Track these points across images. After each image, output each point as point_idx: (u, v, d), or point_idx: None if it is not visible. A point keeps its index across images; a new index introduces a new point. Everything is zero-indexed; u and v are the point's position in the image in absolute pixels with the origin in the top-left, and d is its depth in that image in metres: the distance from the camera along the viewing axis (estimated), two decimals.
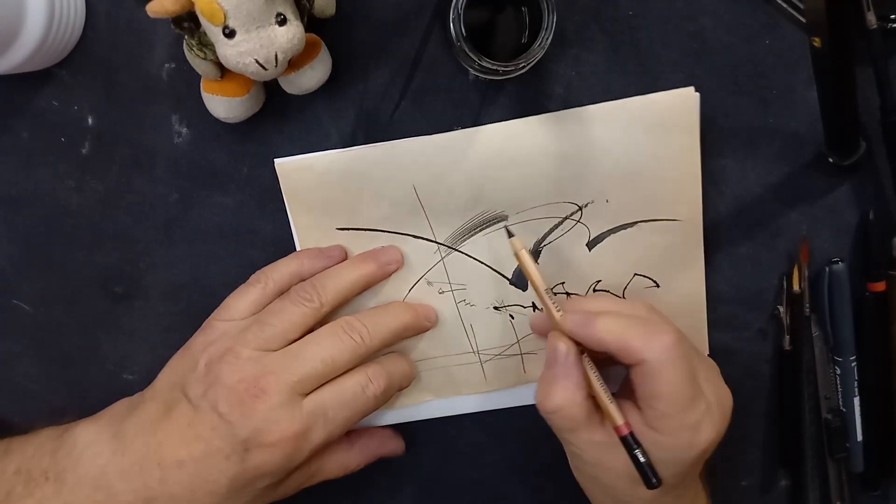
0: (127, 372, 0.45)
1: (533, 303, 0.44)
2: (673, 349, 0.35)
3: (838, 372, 0.44)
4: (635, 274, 0.43)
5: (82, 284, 0.43)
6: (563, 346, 0.37)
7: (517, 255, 0.39)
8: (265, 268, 0.41)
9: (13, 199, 0.42)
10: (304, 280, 0.41)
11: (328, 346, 0.38)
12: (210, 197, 0.42)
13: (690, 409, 0.35)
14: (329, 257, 0.42)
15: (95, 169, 0.42)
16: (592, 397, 0.37)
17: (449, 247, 0.43)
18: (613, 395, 0.37)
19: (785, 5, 0.37)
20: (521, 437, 0.46)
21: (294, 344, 0.38)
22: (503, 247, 0.43)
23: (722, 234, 0.43)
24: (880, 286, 0.43)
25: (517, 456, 0.47)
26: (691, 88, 0.40)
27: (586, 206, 0.42)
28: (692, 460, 0.36)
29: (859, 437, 0.44)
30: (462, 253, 0.43)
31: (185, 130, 0.41)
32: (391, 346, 0.42)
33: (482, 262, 0.43)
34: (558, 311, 0.38)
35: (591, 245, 0.43)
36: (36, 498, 0.37)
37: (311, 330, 0.39)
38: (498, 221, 0.42)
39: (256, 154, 0.42)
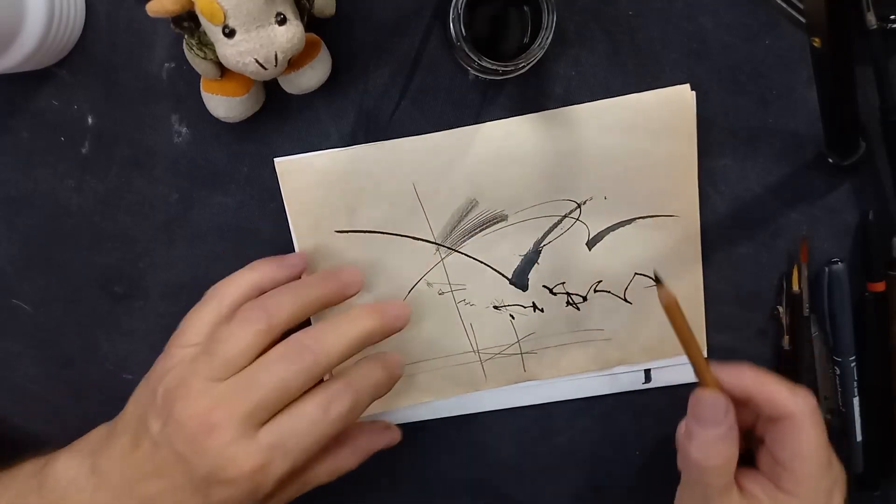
0: (127, 372, 0.45)
1: (534, 302, 0.44)
2: (816, 409, 0.36)
3: (838, 372, 0.44)
4: (636, 273, 0.43)
5: (82, 284, 0.43)
6: (725, 403, 0.36)
7: (667, 309, 0.35)
8: (220, 282, 0.39)
9: (13, 199, 0.42)
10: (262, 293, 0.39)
11: (279, 370, 0.35)
12: (210, 197, 0.42)
13: (827, 474, 0.35)
14: (290, 266, 0.40)
15: (95, 169, 0.42)
16: None
17: (448, 248, 0.43)
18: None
19: (785, 5, 0.37)
20: (521, 437, 0.46)
21: (244, 371, 0.36)
22: (503, 247, 0.43)
23: (722, 233, 0.43)
24: (880, 286, 0.43)
25: (517, 456, 0.47)
26: (687, 86, 0.40)
27: (585, 202, 0.42)
28: None
29: (859, 438, 0.44)
30: (461, 253, 0.43)
31: (185, 130, 0.41)
32: (356, 354, 0.38)
33: (482, 262, 0.43)
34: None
35: (590, 244, 0.43)
36: None
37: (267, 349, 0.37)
38: (498, 221, 0.42)
39: (256, 154, 0.42)
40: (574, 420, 0.46)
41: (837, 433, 0.44)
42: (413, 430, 0.46)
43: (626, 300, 0.44)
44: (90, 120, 0.41)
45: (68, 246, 0.43)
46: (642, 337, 0.44)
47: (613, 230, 0.42)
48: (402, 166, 0.41)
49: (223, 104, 0.38)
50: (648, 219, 0.42)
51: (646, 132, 0.40)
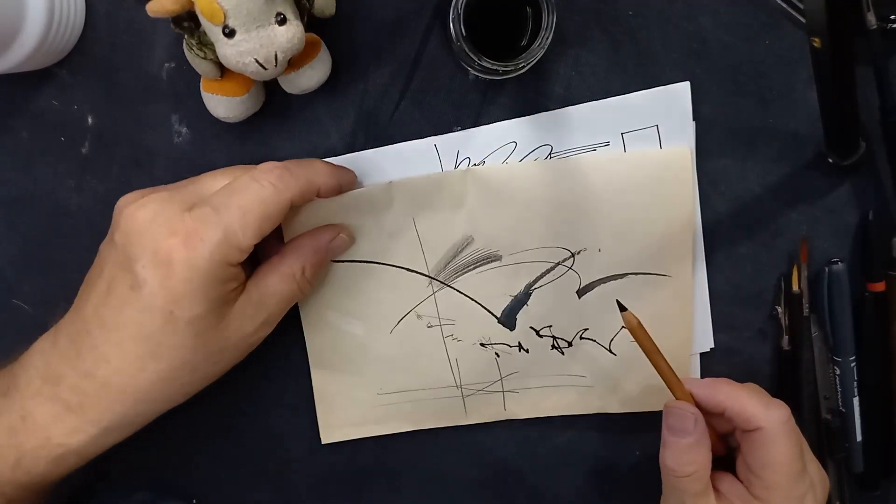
0: None
1: (519, 342, 0.44)
2: (787, 421, 0.37)
3: (838, 372, 0.44)
4: (623, 327, 0.43)
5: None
6: (695, 413, 0.38)
7: (632, 331, 0.38)
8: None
9: (13, 199, 0.42)
10: None
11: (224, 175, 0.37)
12: None
13: (798, 482, 0.37)
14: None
15: (95, 169, 0.42)
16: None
17: (442, 282, 0.43)
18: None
19: (785, 5, 0.37)
20: (521, 438, 0.46)
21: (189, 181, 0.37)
22: (495, 285, 0.43)
23: (722, 233, 0.43)
24: (880, 286, 0.43)
25: (517, 456, 0.47)
26: (685, 146, 0.40)
27: (579, 252, 0.42)
28: None
29: (859, 438, 0.44)
30: (453, 289, 0.43)
31: (185, 130, 0.41)
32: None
33: (472, 299, 0.43)
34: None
35: (581, 293, 0.43)
36: None
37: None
38: (492, 260, 0.42)
39: (256, 154, 0.42)
40: (574, 420, 0.46)
41: (837, 433, 0.44)
42: (413, 431, 0.46)
43: (610, 351, 0.44)
44: (90, 120, 0.41)
45: (68, 246, 0.43)
46: (623, 389, 0.44)
47: (605, 282, 0.43)
48: (401, 204, 0.41)
49: (223, 104, 0.38)
50: (640, 276, 0.42)
51: (645, 189, 0.40)
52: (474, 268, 0.42)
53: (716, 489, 0.38)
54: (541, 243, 0.42)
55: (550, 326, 0.43)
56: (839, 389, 0.44)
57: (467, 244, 0.42)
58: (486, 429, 0.46)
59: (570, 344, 0.44)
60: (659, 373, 0.39)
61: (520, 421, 0.46)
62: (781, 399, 0.39)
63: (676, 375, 0.39)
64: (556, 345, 0.44)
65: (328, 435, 0.45)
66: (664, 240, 0.41)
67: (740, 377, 0.44)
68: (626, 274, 0.42)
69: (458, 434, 0.46)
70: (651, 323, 0.41)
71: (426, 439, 0.46)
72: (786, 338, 0.44)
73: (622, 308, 0.38)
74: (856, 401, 0.44)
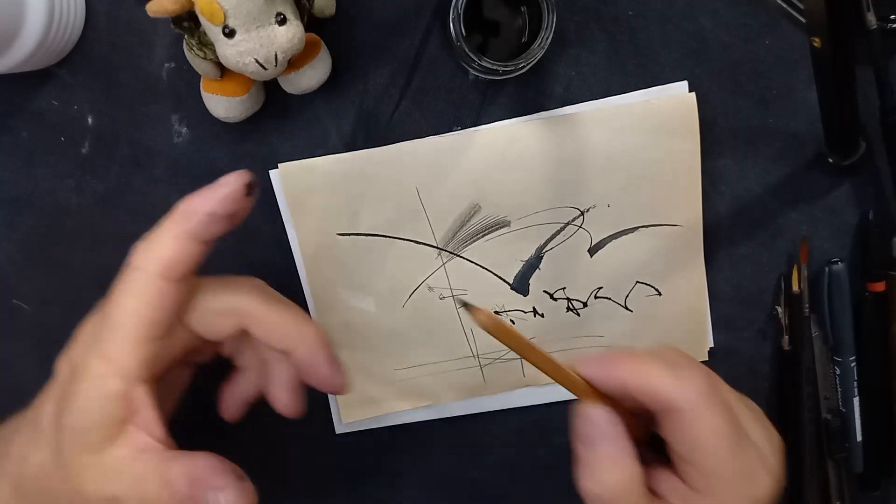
0: None
1: (534, 307, 0.44)
2: (707, 390, 0.29)
3: (838, 372, 0.44)
4: (637, 282, 0.43)
5: (82, 284, 0.43)
6: (602, 412, 0.30)
7: (488, 330, 0.31)
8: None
9: (13, 199, 0.42)
10: None
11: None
12: None
13: (738, 457, 0.29)
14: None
15: (95, 169, 0.42)
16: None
17: (451, 252, 0.43)
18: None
19: (785, 5, 0.37)
20: (520, 438, 0.46)
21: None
22: (504, 252, 0.42)
23: (722, 234, 0.43)
24: (880, 286, 0.43)
25: (517, 456, 0.47)
26: (685, 85, 0.40)
27: (588, 210, 0.42)
28: None
29: (859, 438, 0.44)
30: (463, 259, 0.43)
31: (185, 130, 0.41)
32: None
33: (483, 267, 0.43)
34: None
35: (592, 251, 0.43)
36: None
37: None
38: (500, 227, 0.42)
39: (256, 154, 0.42)
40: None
41: (837, 433, 0.44)
42: (413, 430, 0.46)
43: (626, 307, 0.44)
44: (90, 120, 0.41)
45: (68, 246, 0.43)
46: (643, 345, 0.44)
47: (616, 238, 0.42)
48: (405, 170, 0.41)
49: (223, 104, 0.38)
50: (651, 228, 0.42)
51: (650, 139, 0.40)
52: (483, 236, 0.42)
53: (653, 491, 0.31)
54: (549, 204, 0.42)
55: (564, 288, 0.43)
56: (839, 389, 0.44)
57: (474, 213, 0.42)
58: (486, 428, 0.46)
59: (585, 304, 0.44)
60: (541, 369, 0.31)
61: (519, 421, 0.46)
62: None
63: (559, 363, 0.31)
64: (570, 307, 0.44)
65: (348, 414, 0.45)
66: (672, 189, 0.41)
67: (740, 377, 0.44)
68: (637, 227, 0.42)
69: (458, 434, 0.46)
70: (665, 274, 0.42)
71: (426, 439, 0.46)
72: (786, 338, 0.44)
73: (465, 306, 0.32)
74: (856, 401, 0.44)
